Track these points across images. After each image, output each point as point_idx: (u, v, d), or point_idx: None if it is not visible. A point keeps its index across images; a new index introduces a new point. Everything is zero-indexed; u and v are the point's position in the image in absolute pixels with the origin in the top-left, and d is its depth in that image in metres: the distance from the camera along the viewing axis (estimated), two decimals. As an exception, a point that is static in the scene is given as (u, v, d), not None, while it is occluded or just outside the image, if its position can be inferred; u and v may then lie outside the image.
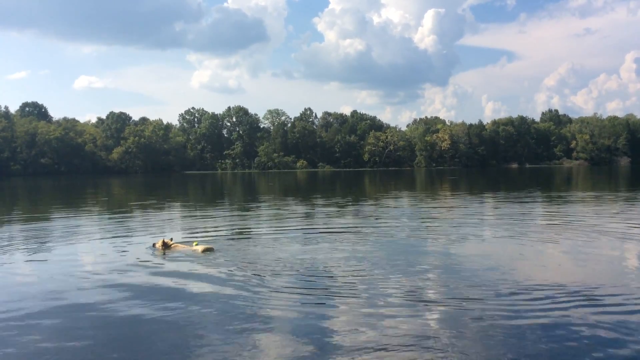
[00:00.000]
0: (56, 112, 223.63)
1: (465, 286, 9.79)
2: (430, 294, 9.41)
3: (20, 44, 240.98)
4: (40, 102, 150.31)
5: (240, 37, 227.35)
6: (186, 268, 11.84)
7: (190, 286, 10.26)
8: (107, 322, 8.19)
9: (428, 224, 20.05)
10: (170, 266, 12.15)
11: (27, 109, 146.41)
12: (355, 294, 9.47)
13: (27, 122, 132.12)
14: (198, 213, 27.42)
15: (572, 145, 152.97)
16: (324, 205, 29.79)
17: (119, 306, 8.93)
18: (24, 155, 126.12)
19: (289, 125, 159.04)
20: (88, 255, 14.15)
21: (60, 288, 10.27)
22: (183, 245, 14.23)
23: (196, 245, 14.51)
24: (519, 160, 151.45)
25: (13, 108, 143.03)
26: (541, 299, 8.93)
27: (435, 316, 8.13)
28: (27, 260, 13.46)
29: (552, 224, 19.73)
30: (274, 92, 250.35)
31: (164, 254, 13.46)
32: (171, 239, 14.32)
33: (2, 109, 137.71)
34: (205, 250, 13.70)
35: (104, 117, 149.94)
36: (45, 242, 16.23)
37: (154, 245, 14.28)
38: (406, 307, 8.62)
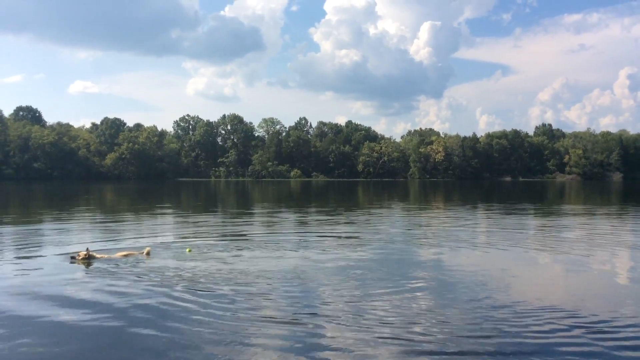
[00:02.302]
0: (50, 117, 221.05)
1: (456, 310, 9.00)
2: (419, 318, 8.53)
3: (16, 47, 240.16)
4: (34, 107, 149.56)
5: (236, 45, 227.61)
6: (160, 283, 11.51)
7: (165, 303, 9.46)
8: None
9: (420, 236, 19.92)
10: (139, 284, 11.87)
11: (21, 112, 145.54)
12: (339, 316, 8.58)
13: (20, 126, 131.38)
14: (189, 219, 27.14)
15: (565, 160, 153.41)
16: (316, 214, 29.64)
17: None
18: (16, 159, 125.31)
19: (284, 134, 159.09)
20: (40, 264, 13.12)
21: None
22: (108, 255, 13.74)
23: (189, 251, 14.43)
24: (512, 173, 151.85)
25: (7, 112, 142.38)
26: (533, 319, 8.36)
27: (424, 347, 7.27)
28: None
29: (545, 237, 19.66)
30: (269, 101, 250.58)
31: (89, 264, 12.66)
32: (87, 249, 13.40)
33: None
34: (147, 254, 13.93)
35: (98, 122, 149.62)
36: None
37: (73, 258, 13.12)
38: (394, 327, 8.06)
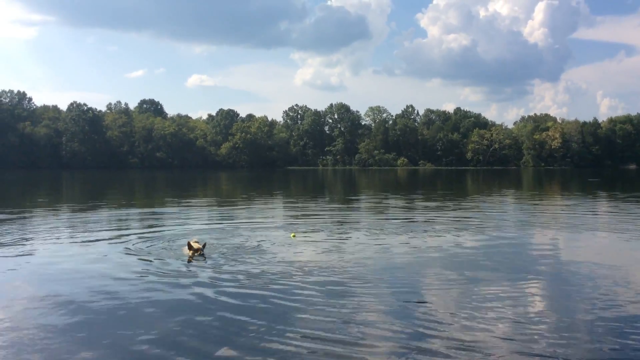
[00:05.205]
0: (170, 109, 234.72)
1: (580, 318, 7.24)
2: (534, 323, 6.96)
3: (139, 44, 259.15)
4: (156, 99, 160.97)
5: (342, 34, 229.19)
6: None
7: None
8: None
9: (535, 224, 19.09)
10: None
11: (144, 105, 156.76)
12: (444, 309, 7.58)
13: (144, 118, 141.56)
14: (297, 205, 27.94)
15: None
16: (422, 201, 29.39)
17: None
18: (141, 149, 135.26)
19: (390, 122, 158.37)
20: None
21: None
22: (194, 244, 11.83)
23: (293, 236, 14.57)
24: (638, 161, 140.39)
25: (132, 105, 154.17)
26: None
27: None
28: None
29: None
30: (375, 89, 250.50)
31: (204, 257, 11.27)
32: (188, 243, 11.83)
33: (123, 105, 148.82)
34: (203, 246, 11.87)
35: (213, 113, 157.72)
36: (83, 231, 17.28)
37: (192, 253, 11.40)
38: (506, 329, 6.91)
